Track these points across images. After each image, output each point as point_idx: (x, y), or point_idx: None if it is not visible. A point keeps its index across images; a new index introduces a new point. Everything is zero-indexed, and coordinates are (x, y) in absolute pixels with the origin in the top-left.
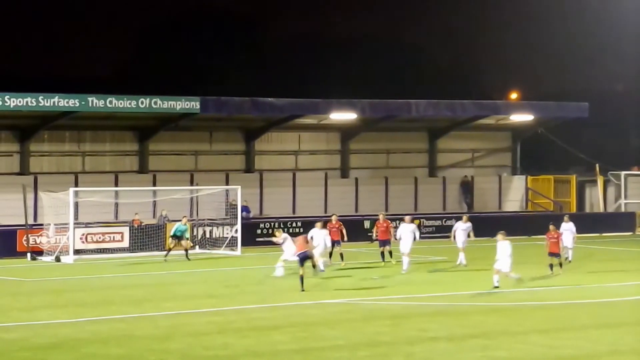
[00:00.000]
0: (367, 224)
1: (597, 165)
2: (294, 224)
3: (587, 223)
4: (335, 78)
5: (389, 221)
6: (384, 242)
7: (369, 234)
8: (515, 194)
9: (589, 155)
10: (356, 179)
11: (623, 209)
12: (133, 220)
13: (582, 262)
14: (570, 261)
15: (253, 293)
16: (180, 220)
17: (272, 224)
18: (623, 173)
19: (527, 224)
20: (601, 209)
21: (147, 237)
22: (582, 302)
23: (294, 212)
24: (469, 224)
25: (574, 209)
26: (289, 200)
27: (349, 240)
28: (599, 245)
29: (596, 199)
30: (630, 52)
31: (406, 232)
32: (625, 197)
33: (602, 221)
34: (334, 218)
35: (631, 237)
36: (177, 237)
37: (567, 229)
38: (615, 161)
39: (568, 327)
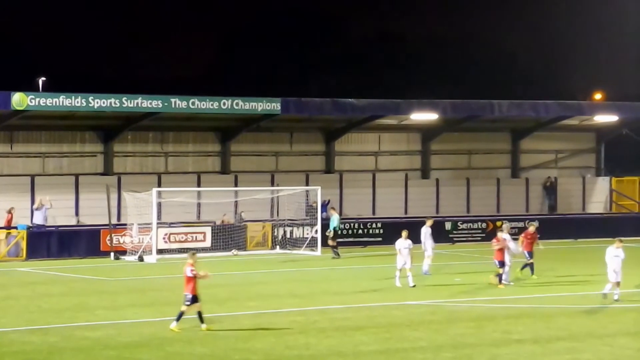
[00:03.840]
0: (448, 225)
1: None
2: (373, 225)
3: None
4: (417, 78)
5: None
6: (530, 254)
7: (450, 236)
8: (599, 196)
9: None
10: (437, 180)
11: None
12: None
13: None
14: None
15: (335, 294)
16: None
17: (352, 224)
18: None
19: (611, 226)
20: None
21: (229, 236)
22: None
23: (373, 213)
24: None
25: None
26: (368, 201)
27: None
28: None
29: None
30: None
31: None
32: None
33: None
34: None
35: None
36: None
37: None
38: None
39: None
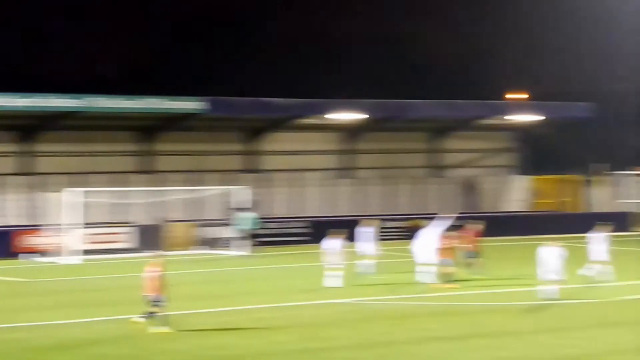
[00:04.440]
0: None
1: (599, 165)
2: (300, 224)
3: (588, 223)
4: (340, 78)
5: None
6: (474, 254)
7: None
8: (518, 194)
9: (593, 155)
10: (362, 180)
11: (625, 209)
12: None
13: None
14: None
15: (258, 293)
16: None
17: (278, 224)
18: (626, 172)
19: (530, 224)
20: (601, 209)
21: (150, 237)
22: (589, 301)
23: (300, 212)
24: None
25: (576, 209)
26: (295, 201)
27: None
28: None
29: (600, 198)
30: (636, 52)
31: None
32: (626, 197)
33: (602, 221)
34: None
35: (626, 236)
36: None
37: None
38: (620, 161)
39: (574, 326)
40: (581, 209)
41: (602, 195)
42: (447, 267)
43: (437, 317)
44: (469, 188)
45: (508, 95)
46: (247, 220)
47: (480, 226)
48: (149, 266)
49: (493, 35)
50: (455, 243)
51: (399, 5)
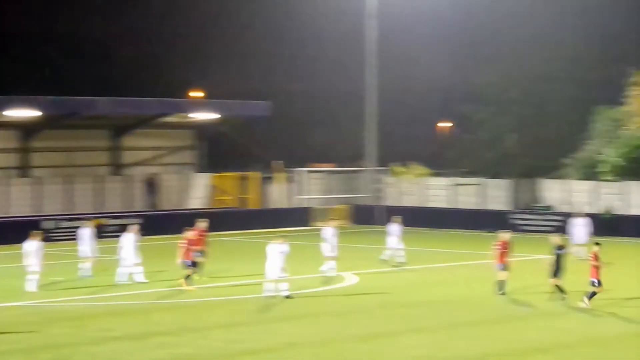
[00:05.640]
0: (50, 225)
1: (277, 162)
2: None
3: (268, 218)
4: (16, 73)
5: None
6: (201, 254)
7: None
8: (200, 191)
9: (271, 152)
10: (39, 179)
11: (302, 204)
12: None
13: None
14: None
15: None
16: None
17: None
18: (302, 169)
19: (212, 221)
20: (281, 205)
21: None
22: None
23: None
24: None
25: (256, 205)
26: None
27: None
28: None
29: (276, 195)
30: (309, 53)
31: None
32: (304, 193)
33: (281, 216)
34: None
35: (307, 230)
36: None
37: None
38: (294, 158)
39: (250, 321)
40: (261, 206)
41: (281, 191)
42: (187, 268)
43: (117, 316)
44: (151, 186)
45: (191, 94)
46: None
47: (205, 224)
48: None
49: (176, 34)
50: (192, 243)
51: (75, 2)
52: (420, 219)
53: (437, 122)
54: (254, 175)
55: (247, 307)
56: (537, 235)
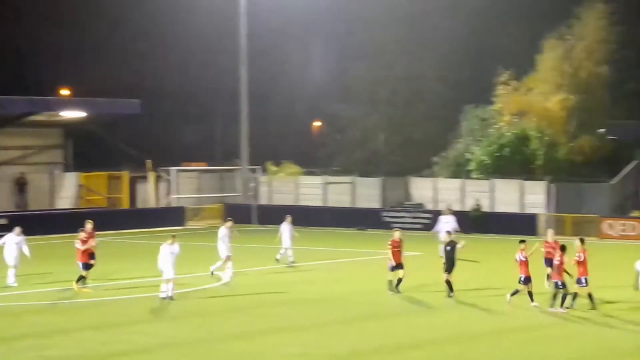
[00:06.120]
0: None
1: (148, 161)
2: None
3: (139, 218)
4: None
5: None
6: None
7: None
8: (68, 191)
9: (141, 151)
10: None
11: (173, 204)
12: None
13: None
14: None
15: None
16: None
17: None
18: (173, 169)
19: (79, 221)
20: (152, 204)
21: None
22: (136, 296)
23: None
24: (21, 237)
25: (126, 205)
26: None
27: None
28: (150, 240)
29: (148, 194)
30: (180, 51)
31: None
32: (176, 192)
33: (153, 216)
34: None
35: (182, 230)
36: None
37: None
38: (167, 157)
39: (122, 322)
40: (133, 205)
41: (154, 190)
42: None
43: None
44: (22, 186)
45: (61, 92)
46: None
47: (90, 225)
48: None
49: (39, 30)
50: (88, 244)
51: None
52: (294, 217)
53: (312, 122)
54: (125, 175)
55: (120, 309)
56: (408, 233)
